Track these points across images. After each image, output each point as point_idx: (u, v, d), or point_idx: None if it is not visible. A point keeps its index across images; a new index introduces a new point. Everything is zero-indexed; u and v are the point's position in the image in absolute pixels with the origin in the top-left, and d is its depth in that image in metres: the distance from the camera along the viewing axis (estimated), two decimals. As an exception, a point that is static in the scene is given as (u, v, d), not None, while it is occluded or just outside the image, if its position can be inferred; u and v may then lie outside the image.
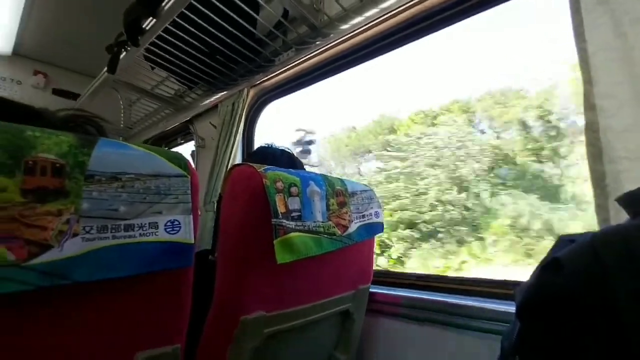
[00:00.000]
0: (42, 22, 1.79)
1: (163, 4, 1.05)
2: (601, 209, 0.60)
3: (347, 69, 1.25)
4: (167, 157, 0.42)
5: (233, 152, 1.45)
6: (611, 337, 0.29)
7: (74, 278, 0.33)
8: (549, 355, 0.33)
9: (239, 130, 1.45)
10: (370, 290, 0.88)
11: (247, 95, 1.45)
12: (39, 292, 0.31)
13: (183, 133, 2.04)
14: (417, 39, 1.04)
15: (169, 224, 0.40)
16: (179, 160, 0.43)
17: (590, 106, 0.63)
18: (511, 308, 0.59)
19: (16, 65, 2.02)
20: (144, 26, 1.13)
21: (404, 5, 0.95)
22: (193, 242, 0.42)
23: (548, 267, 0.34)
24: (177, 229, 0.41)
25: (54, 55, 2.06)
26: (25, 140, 0.32)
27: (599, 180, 0.61)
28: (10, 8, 1.65)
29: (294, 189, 0.61)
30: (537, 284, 0.35)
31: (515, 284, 0.75)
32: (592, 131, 0.62)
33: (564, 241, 0.41)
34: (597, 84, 0.63)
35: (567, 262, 0.32)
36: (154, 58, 1.37)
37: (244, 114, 1.46)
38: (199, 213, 1.55)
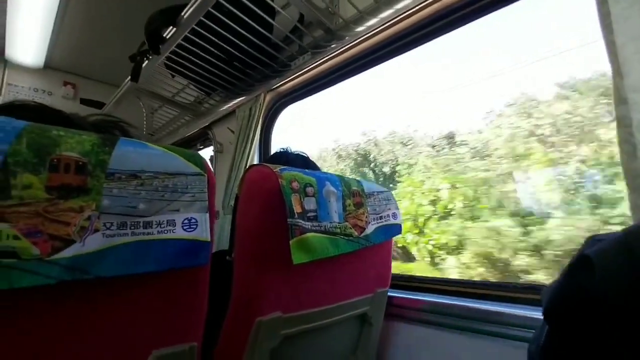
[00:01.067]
0: (71, 37, 1.89)
1: (182, 13, 1.08)
2: (637, 208, 0.57)
3: (362, 71, 1.24)
4: (184, 156, 0.43)
5: (250, 156, 1.47)
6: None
7: (95, 273, 0.34)
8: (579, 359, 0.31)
9: (256, 135, 1.47)
10: (389, 294, 0.86)
11: (264, 100, 1.47)
12: (59, 286, 0.32)
13: (202, 139, 2.09)
14: (433, 38, 1.03)
15: (186, 221, 0.41)
16: (196, 159, 0.44)
17: (621, 100, 0.60)
18: (540, 314, 0.56)
19: (47, 77, 2.14)
20: (164, 35, 1.17)
21: (418, 5, 0.94)
22: (209, 240, 0.42)
23: (577, 266, 0.32)
24: (194, 226, 0.41)
25: (81, 67, 2.17)
26: (50, 139, 0.33)
27: (634, 179, 0.58)
28: (41, 25, 1.76)
29: (309, 189, 0.61)
30: (565, 284, 0.33)
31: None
32: (625, 126, 0.59)
33: (595, 241, 0.38)
34: (627, 76, 0.60)
35: (599, 260, 0.30)
36: (174, 66, 1.41)
37: (260, 118, 1.48)
38: (217, 217, 1.58)
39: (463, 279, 0.94)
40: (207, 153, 1.96)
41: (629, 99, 0.58)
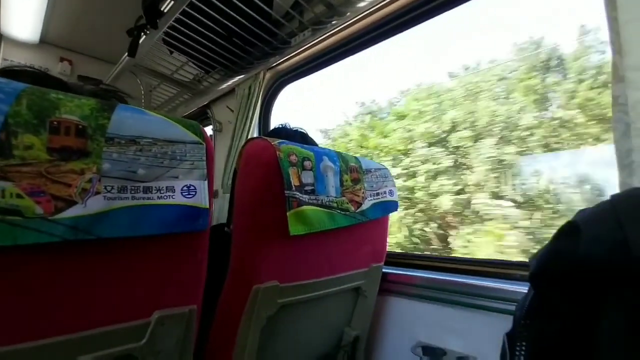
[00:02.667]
0: (67, 11, 1.84)
1: (180, -15, 1.06)
2: (626, 186, 0.58)
3: (362, 50, 1.22)
4: (183, 125, 0.43)
5: (249, 135, 1.47)
6: (635, 304, 0.28)
7: (98, 234, 0.35)
8: (565, 321, 0.32)
9: (256, 114, 1.46)
10: (384, 270, 0.89)
11: (264, 78, 1.46)
12: (62, 246, 0.33)
13: (201, 118, 2.07)
14: (438, 14, 1.01)
15: (185, 188, 0.41)
16: (195, 128, 0.44)
17: (619, 78, 0.60)
18: (525, 289, 0.58)
19: (43, 53, 2.10)
20: (162, 8, 1.15)
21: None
22: (208, 206, 0.43)
23: (565, 232, 0.33)
24: (193, 193, 0.42)
25: (78, 43, 2.12)
26: (50, 102, 0.34)
27: (624, 157, 0.59)
28: (37, -1, 1.71)
29: (307, 163, 0.61)
30: (553, 250, 0.34)
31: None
32: (620, 104, 0.60)
33: (583, 212, 0.39)
34: (627, 55, 0.60)
35: (586, 226, 0.31)
36: (173, 42, 1.39)
37: (260, 97, 1.46)
38: (216, 196, 1.58)
39: (456, 256, 0.96)
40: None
41: (626, 77, 0.58)
